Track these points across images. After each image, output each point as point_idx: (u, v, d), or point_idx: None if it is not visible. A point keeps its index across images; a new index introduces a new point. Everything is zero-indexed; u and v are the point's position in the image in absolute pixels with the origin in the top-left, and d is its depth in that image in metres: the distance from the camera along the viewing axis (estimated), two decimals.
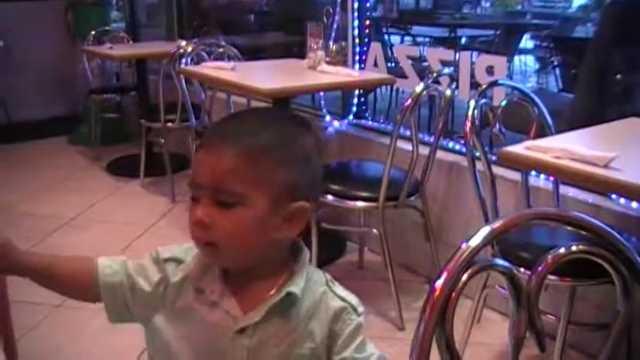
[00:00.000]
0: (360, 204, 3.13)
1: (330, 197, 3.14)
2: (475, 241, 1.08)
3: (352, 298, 1.26)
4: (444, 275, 1.05)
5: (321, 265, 3.40)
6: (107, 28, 6.38)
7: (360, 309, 1.25)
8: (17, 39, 6.71)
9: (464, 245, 1.07)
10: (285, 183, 1.16)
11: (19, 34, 6.73)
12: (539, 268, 1.13)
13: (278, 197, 1.15)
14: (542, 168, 2.14)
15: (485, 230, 1.09)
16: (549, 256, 1.14)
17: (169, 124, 4.83)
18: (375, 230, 3.17)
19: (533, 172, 2.78)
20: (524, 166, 2.42)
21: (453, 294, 1.05)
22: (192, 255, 1.25)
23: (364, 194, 3.12)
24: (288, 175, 1.16)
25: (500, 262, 1.12)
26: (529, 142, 2.06)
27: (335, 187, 3.16)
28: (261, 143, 1.15)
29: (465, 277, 1.06)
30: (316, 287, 1.24)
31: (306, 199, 1.20)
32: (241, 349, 1.17)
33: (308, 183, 1.21)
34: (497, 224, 1.12)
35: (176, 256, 1.30)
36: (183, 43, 4.71)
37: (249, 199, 1.13)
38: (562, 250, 1.15)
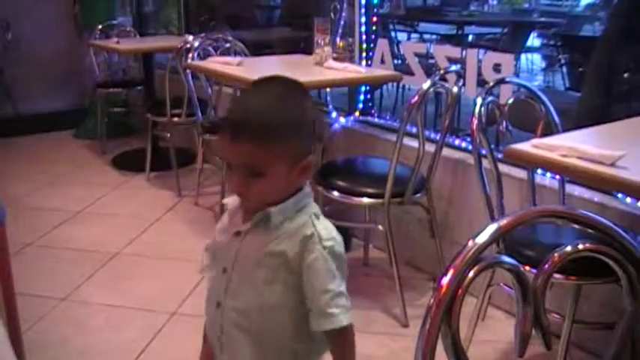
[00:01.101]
0: (366, 200, 3.13)
1: (335, 193, 3.14)
2: (482, 238, 1.07)
3: (322, 229, 1.49)
4: (451, 272, 1.05)
5: None
6: (114, 22, 6.39)
7: (328, 243, 1.47)
8: (24, 32, 6.72)
9: (470, 242, 1.07)
10: (297, 151, 1.48)
11: (26, 27, 6.74)
12: (546, 266, 1.12)
13: (292, 162, 1.47)
14: (549, 166, 2.13)
15: (491, 227, 1.09)
16: (556, 254, 1.14)
17: (175, 118, 4.84)
18: (380, 227, 3.16)
19: (539, 170, 2.78)
20: (530, 164, 2.41)
21: (460, 291, 1.05)
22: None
23: (370, 191, 3.12)
24: (298, 144, 1.48)
25: (506, 259, 1.12)
26: (536, 140, 2.06)
27: (341, 183, 3.16)
28: (275, 128, 1.43)
29: (471, 274, 1.06)
30: (302, 216, 1.51)
31: (310, 151, 1.52)
32: (233, 247, 1.55)
33: (310, 141, 1.54)
34: (503, 221, 1.11)
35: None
36: (190, 37, 4.71)
37: (271, 169, 1.45)
38: (569, 248, 1.15)
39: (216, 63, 3.98)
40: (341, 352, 1.53)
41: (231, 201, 1.60)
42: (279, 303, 1.50)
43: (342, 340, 1.51)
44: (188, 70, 4.36)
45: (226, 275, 1.55)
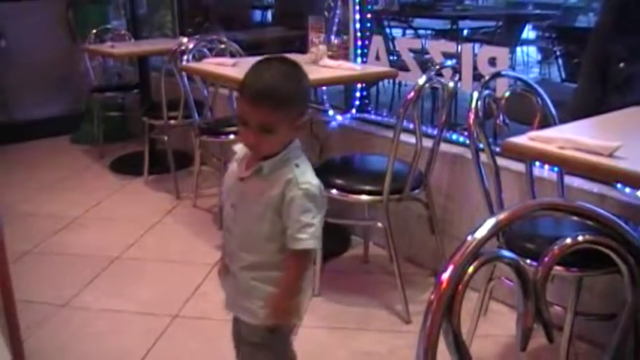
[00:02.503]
0: (365, 197, 3.13)
1: (334, 191, 3.14)
2: (480, 233, 1.07)
3: (300, 174, 1.91)
4: (450, 268, 1.04)
5: (325, 259, 3.40)
6: (108, 26, 6.38)
7: (304, 185, 1.89)
8: (18, 39, 6.71)
9: (469, 237, 1.07)
10: (297, 112, 1.93)
11: (20, 34, 6.73)
12: (546, 259, 1.12)
13: (293, 121, 1.92)
14: (547, 158, 2.13)
15: (490, 222, 1.09)
16: (555, 247, 1.13)
17: (172, 121, 4.83)
18: (379, 224, 3.16)
19: (537, 163, 2.78)
20: (528, 156, 2.41)
21: (460, 286, 1.05)
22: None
23: (368, 188, 3.12)
24: (299, 107, 1.94)
25: (506, 253, 1.11)
26: (533, 133, 2.05)
27: (339, 181, 3.16)
28: (283, 96, 1.88)
29: (471, 269, 1.05)
30: (287, 165, 1.93)
31: (305, 113, 1.97)
32: (239, 189, 2.01)
33: (306, 105, 2.00)
34: (502, 215, 1.11)
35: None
36: (185, 39, 4.71)
37: (278, 127, 1.88)
38: (568, 240, 1.14)
39: (212, 64, 3.98)
40: (293, 270, 1.96)
41: (239, 150, 2.04)
42: (266, 234, 1.95)
43: (300, 260, 1.95)
44: (183, 72, 4.35)
45: (233, 209, 2.02)
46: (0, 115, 6.77)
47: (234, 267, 2.05)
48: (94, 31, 6.12)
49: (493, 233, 1.08)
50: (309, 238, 1.89)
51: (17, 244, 3.84)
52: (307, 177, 1.92)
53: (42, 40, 6.87)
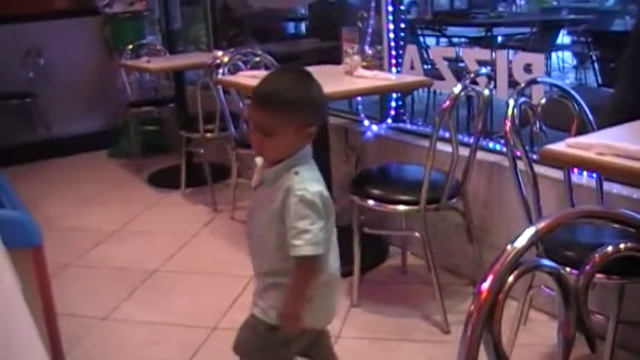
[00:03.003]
0: (402, 208, 3.12)
1: (371, 202, 3.14)
2: (520, 242, 1.06)
3: (297, 182, 1.96)
4: (490, 278, 1.04)
5: (364, 269, 3.39)
6: (144, 41, 6.44)
7: (299, 192, 1.94)
8: (56, 55, 6.81)
9: (509, 247, 1.06)
10: (302, 120, 1.98)
11: (58, 51, 6.83)
12: (587, 267, 1.11)
13: (297, 128, 1.97)
14: (585, 165, 2.11)
15: (530, 231, 1.08)
16: (597, 255, 1.12)
17: (208, 134, 4.86)
18: (417, 233, 3.15)
19: (575, 170, 2.75)
20: (566, 163, 2.39)
21: (500, 296, 1.04)
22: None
23: (405, 198, 3.11)
24: (303, 115, 1.98)
25: (546, 262, 1.11)
26: (570, 140, 2.04)
27: (376, 191, 3.16)
28: (286, 101, 1.95)
29: (511, 278, 1.05)
30: (288, 173, 1.99)
31: (314, 124, 2.01)
32: (255, 197, 2.14)
33: (314, 115, 2.02)
34: (541, 224, 1.10)
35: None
36: (220, 53, 4.74)
37: (280, 131, 1.96)
38: (610, 248, 1.13)
39: (247, 77, 4.00)
40: (295, 277, 2.00)
41: (258, 161, 2.13)
42: (274, 242, 2.03)
43: (301, 267, 1.98)
44: (219, 86, 4.38)
45: (250, 217, 2.17)
46: (40, 131, 6.88)
47: (254, 270, 2.22)
48: (130, 46, 6.18)
49: (533, 242, 1.07)
50: (304, 244, 1.93)
51: (57, 257, 3.88)
52: (304, 184, 1.96)
53: (79, 57, 6.97)
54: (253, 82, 3.79)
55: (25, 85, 6.80)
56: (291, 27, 8.92)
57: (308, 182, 1.97)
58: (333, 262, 2.15)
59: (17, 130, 6.81)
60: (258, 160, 2.13)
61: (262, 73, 3.96)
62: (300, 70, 2.09)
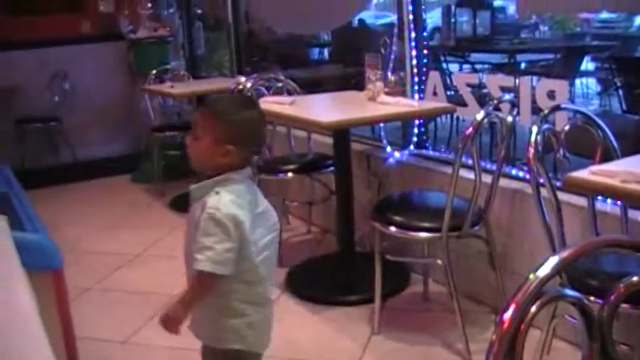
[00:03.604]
0: (424, 235, 3.10)
1: (393, 228, 3.12)
2: (543, 271, 1.05)
3: (212, 201, 2.02)
4: (512, 307, 1.02)
5: (385, 296, 3.37)
6: (167, 66, 6.49)
7: (210, 210, 2.00)
8: (81, 80, 6.89)
9: (532, 275, 1.05)
10: (221, 133, 2.07)
11: (83, 76, 6.91)
12: (612, 297, 1.09)
13: (216, 138, 2.06)
14: (609, 193, 2.09)
15: (553, 260, 1.07)
16: (621, 285, 1.11)
17: None
18: (439, 261, 3.13)
19: (599, 197, 2.72)
20: (590, 191, 2.37)
21: (522, 326, 1.03)
22: None
23: (427, 225, 3.09)
24: (222, 128, 2.07)
25: (569, 292, 1.09)
26: (594, 167, 2.02)
27: (398, 218, 3.14)
28: (214, 111, 2.13)
29: (533, 308, 1.03)
30: (210, 191, 2.06)
31: (234, 144, 2.06)
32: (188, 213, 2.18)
33: (237, 136, 2.08)
34: (565, 253, 1.09)
35: None
36: (243, 78, 4.76)
37: (201, 136, 2.09)
38: (635, 278, 1.11)
39: (269, 102, 4.01)
40: (191, 287, 2.09)
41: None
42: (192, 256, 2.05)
43: (198, 281, 2.04)
44: None
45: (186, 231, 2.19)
46: (64, 155, 6.94)
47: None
48: (154, 71, 6.23)
49: (556, 271, 1.05)
50: (204, 260, 1.97)
51: (78, 280, 3.89)
52: (219, 204, 2.01)
53: (104, 81, 7.04)
54: (276, 108, 3.84)
55: (50, 109, 6.88)
56: (314, 53, 8.97)
57: (223, 203, 2.01)
58: (269, 289, 2.24)
59: (41, 153, 6.89)
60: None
61: (285, 99, 4.00)
62: (248, 97, 2.35)
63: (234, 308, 2.12)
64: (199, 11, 7.52)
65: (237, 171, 2.10)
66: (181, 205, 5.56)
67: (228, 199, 2.03)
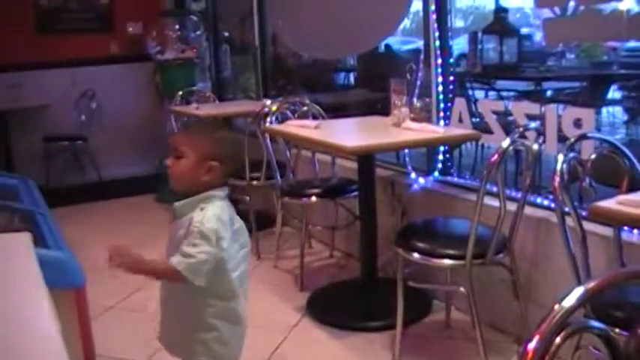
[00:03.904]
0: (447, 262, 3.08)
1: (416, 255, 3.10)
2: (568, 302, 1.04)
3: (197, 216, 2.16)
4: (537, 338, 1.01)
5: (407, 323, 3.35)
6: (194, 88, 6.53)
7: (196, 224, 2.14)
8: (108, 99, 6.96)
9: (556, 306, 1.03)
10: (205, 151, 2.21)
11: (110, 95, 6.98)
12: (638, 329, 1.08)
13: (200, 157, 2.21)
14: (636, 223, 2.07)
15: (578, 291, 1.05)
16: None
17: (254, 181, 4.88)
18: (462, 289, 3.10)
19: (626, 227, 2.70)
20: (616, 221, 2.34)
21: (546, 357, 1.01)
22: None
23: (451, 252, 3.07)
24: (205, 147, 2.23)
25: (595, 323, 1.08)
26: (621, 197, 2.00)
27: (421, 244, 3.13)
28: (195, 131, 2.37)
29: (558, 339, 1.02)
30: (195, 209, 2.19)
31: (217, 160, 2.22)
32: (169, 233, 2.33)
33: (222, 153, 2.24)
34: (591, 284, 1.07)
35: None
36: (268, 102, 4.78)
37: (185, 155, 2.21)
38: None
39: (294, 126, 4.02)
40: (159, 269, 2.30)
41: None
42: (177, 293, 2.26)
43: (169, 271, 2.18)
44: (266, 134, 4.41)
45: (166, 252, 2.32)
46: (89, 174, 7.00)
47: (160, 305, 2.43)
48: (180, 92, 6.27)
49: (582, 303, 1.04)
50: (183, 263, 2.12)
51: (101, 299, 3.90)
52: (204, 218, 2.15)
53: (130, 102, 7.11)
54: (301, 132, 3.84)
55: (77, 128, 6.95)
56: (340, 77, 8.99)
57: (208, 218, 2.15)
58: (244, 306, 2.38)
59: (67, 171, 6.95)
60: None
61: (310, 123, 4.01)
62: (222, 122, 2.48)
63: (206, 323, 2.26)
64: (226, 34, 7.57)
65: (218, 189, 2.25)
66: None
67: (212, 214, 2.17)
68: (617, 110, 8.27)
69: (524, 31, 8.90)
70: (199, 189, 2.22)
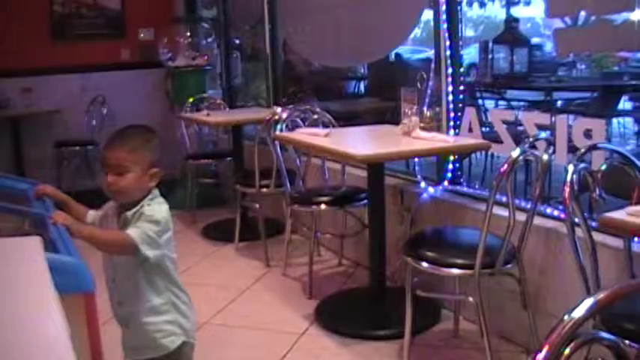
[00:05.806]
0: (456, 271, 3.07)
1: (425, 264, 3.10)
2: (578, 313, 1.03)
3: (148, 210, 2.29)
4: (546, 348, 1.01)
5: (415, 332, 3.34)
6: (204, 95, 6.55)
7: (148, 213, 2.28)
8: (119, 105, 6.98)
9: (566, 317, 1.03)
10: (147, 161, 2.33)
11: (121, 101, 7.01)
12: None
13: (144, 167, 2.32)
14: None
15: (588, 302, 1.05)
16: None
17: (264, 189, 4.88)
18: (470, 298, 3.10)
19: (636, 239, 2.69)
20: (626, 232, 2.34)
21: None
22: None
23: (459, 261, 3.06)
24: (147, 157, 2.34)
25: (605, 335, 1.07)
26: (631, 208, 2.00)
27: (430, 254, 3.12)
28: (133, 144, 2.32)
29: (567, 350, 1.02)
30: (144, 207, 2.30)
31: (157, 166, 2.37)
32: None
33: (158, 158, 2.39)
34: (601, 295, 1.07)
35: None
36: (279, 109, 4.78)
37: (130, 170, 2.28)
38: None
39: (304, 134, 4.03)
40: (108, 232, 2.37)
41: (107, 206, 2.45)
42: (132, 272, 2.35)
43: (120, 238, 2.26)
44: (276, 142, 4.41)
45: (110, 258, 2.41)
46: (99, 180, 6.99)
47: (122, 314, 2.53)
48: (191, 99, 6.29)
49: (592, 314, 1.04)
50: (138, 236, 2.22)
51: (109, 305, 3.90)
52: (153, 209, 2.31)
53: (141, 108, 7.14)
54: (311, 140, 3.85)
55: (88, 133, 6.97)
56: (350, 86, 9.00)
57: (158, 209, 2.33)
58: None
59: (78, 176, 6.97)
60: (106, 207, 2.46)
61: (320, 131, 4.01)
62: (144, 126, 2.50)
63: (171, 304, 2.49)
64: (237, 41, 7.59)
65: (153, 190, 2.40)
66: (213, 233, 5.63)
67: (158, 208, 2.34)
68: (628, 121, 8.26)
69: (534, 40, 8.94)
70: (145, 194, 2.35)
